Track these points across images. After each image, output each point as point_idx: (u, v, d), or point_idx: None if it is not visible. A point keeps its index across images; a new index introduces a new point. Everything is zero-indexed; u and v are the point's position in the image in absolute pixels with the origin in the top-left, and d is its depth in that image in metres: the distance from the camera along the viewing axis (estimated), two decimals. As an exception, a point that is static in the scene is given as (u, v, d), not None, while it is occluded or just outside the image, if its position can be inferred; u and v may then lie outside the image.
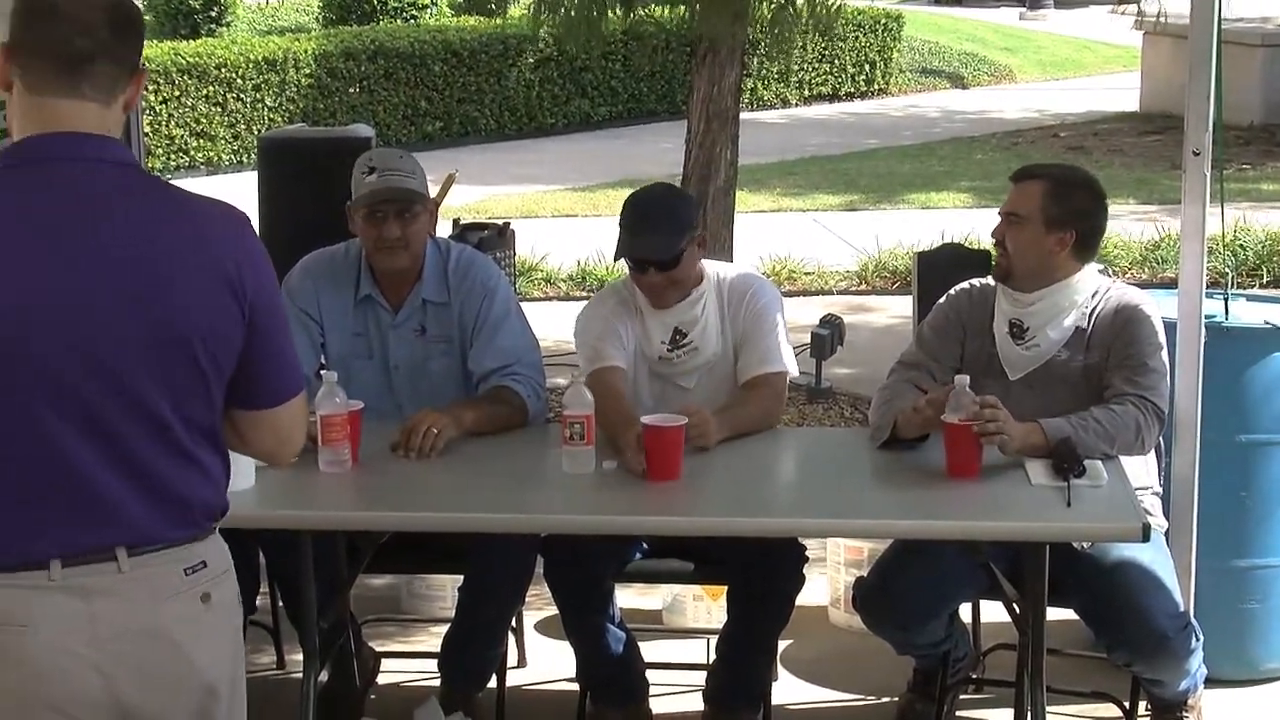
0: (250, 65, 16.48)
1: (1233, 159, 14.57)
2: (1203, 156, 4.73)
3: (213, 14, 19.90)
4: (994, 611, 4.74)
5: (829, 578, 5.53)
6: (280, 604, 4.99)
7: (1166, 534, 4.66)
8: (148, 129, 14.79)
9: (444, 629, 4.81)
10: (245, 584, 4.60)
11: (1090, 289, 4.50)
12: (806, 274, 11.02)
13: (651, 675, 4.79)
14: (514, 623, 5.01)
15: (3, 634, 2.61)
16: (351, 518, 4.26)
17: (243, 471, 4.00)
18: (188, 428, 2.72)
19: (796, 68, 20.64)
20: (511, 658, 5.03)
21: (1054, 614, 4.29)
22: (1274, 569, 5.04)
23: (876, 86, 21.53)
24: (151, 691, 2.69)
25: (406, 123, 17.44)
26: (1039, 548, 4.09)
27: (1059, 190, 4.49)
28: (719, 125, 7.93)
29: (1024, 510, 4.00)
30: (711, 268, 4.78)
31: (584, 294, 9.99)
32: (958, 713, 4.85)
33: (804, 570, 4.57)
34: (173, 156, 15.96)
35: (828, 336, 7.86)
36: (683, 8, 7.60)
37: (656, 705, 4.78)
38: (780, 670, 5.04)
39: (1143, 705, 4.65)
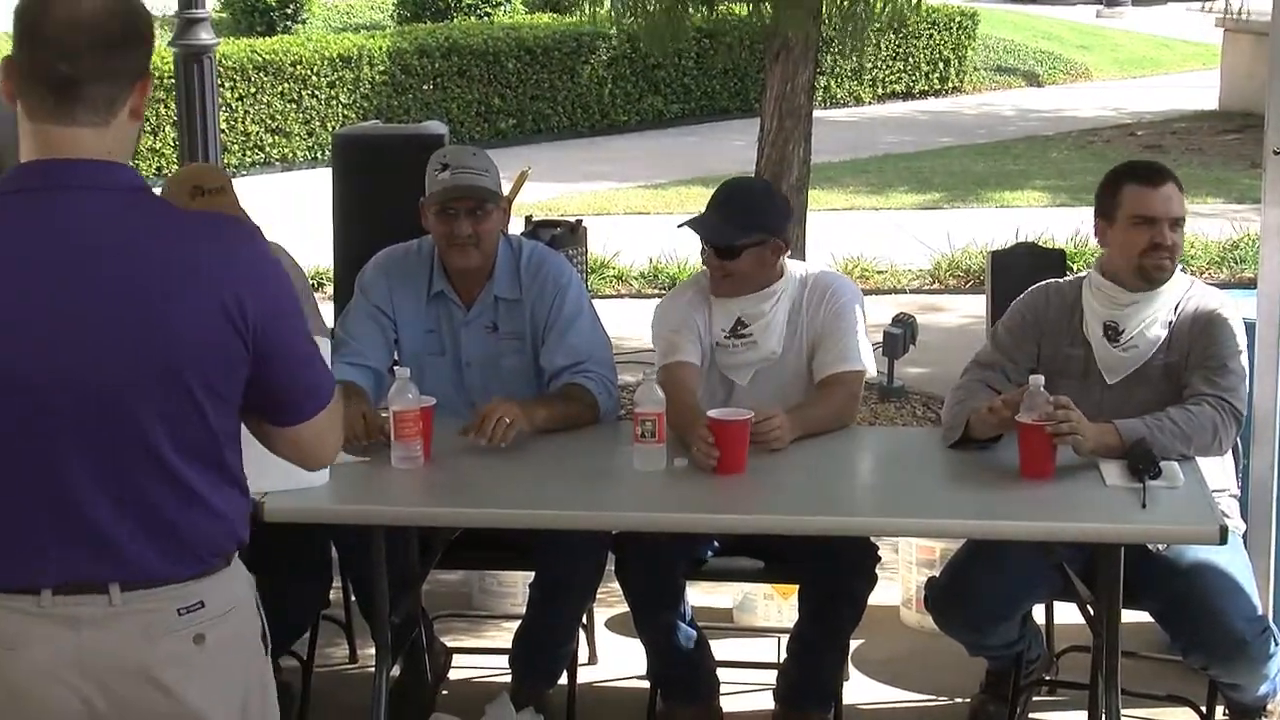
0: (325, 62, 16.57)
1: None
2: (1284, 154, 4.68)
3: (289, 11, 20.00)
4: (1068, 613, 4.71)
5: (901, 577, 5.51)
6: (353, 599, 5.02)
7: (1244, 537, 4.61)
8: (224, 126, 14.89)
9: (515, 625, 4.82)
10: (318, 578, 4.69)
11: (1181, 289, 4.46)
12: (879, 273, 10.98)
13: (722, 673, 4.78)
14: (585, 620, 5.01)
15: None
16: (424, 513, 4.27)
17: (316, 466, 4.03)
18: (187, 460, 2.65)
19: (870, 65, 20.55)
20: (582, 655, 5.03)
21: (1129, 616, 4.25)
22: (1354, 573, 4.98)
23: (950, 85, 21.42)
24: None
25: (480, 120, 17.48)
26: (1114, 549, 4.05)
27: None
28: (792, 123, 7.91)
29: (1098, 511, 3.97)
30: (795, 268, 4.77)
31: (656, 292, 9.99)
32: (1030, 715, 4.82)
33: (876, 570, 4.55)
34: (248, 153, 16.06)
35: (900, 335, 7.84)
36: (760, 5, 7.57)
37: (727, 703, 4.78)
38: (851, 670, 5.03)
39: (1220, 710, 4.61)
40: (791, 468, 4.32)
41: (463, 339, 4.78)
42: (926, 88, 21.12)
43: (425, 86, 17.18)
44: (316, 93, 16.51)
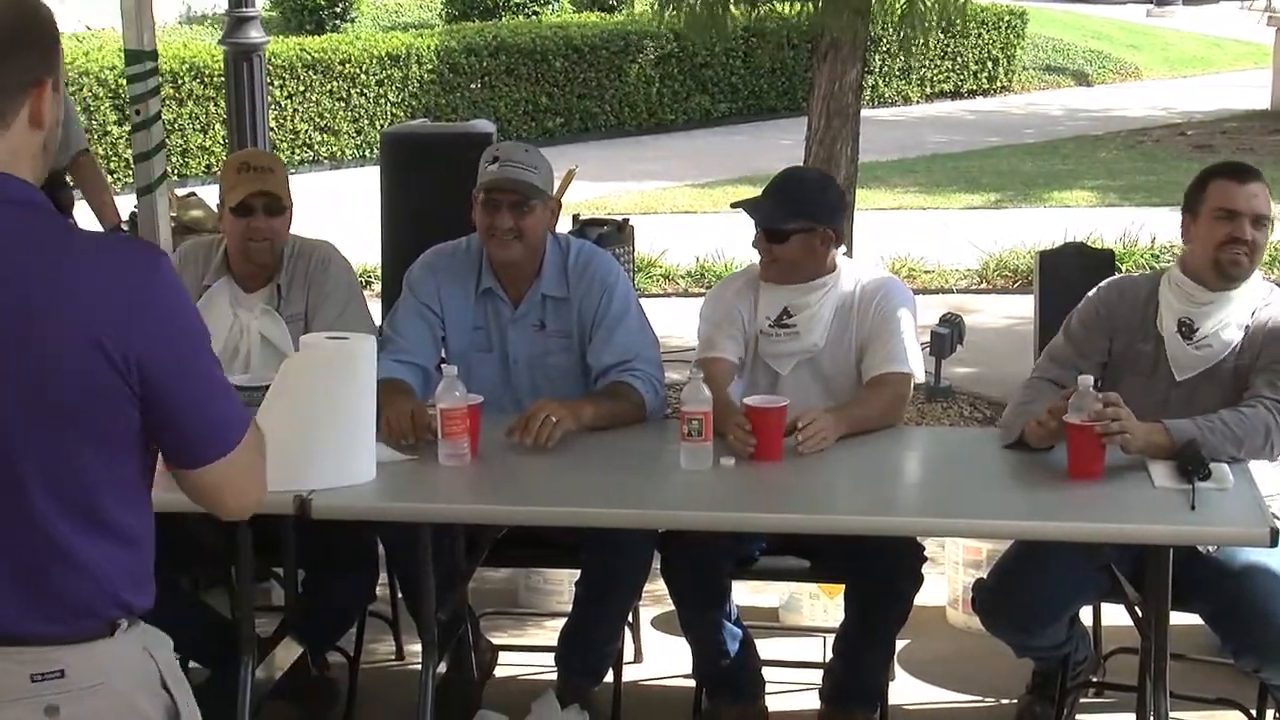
0: (374, 61, 16.64)
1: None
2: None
3: (338, 10, 20.09)
4: (1116, 614, 4.68)
5: (947, 578, 5.49)
6: (400, 596, 5.04)
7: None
8: (273, 124, 14.97)
9: (561, 623, 4.83)
10: (365, 574, 4.70)
11: (1261, 294, 4.43)
12: (926, 272, 10.96)
13: (767, 673, 4.78)
14: (631, 618, 5.02)
15: None
16: (470, 511, 4.27)
17: (364, 463, 4.05)
18: (59, 507, 2.38)
19: (918, 65, 20.53)
20: (628, 653, 5.04)
21: (1177, 618, 4.23)
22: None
23: (999, 84, 21.37)
24: None
25: (527, 118, 17.52)
26: (1162, 551, 4.03)
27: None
28: (840, 122, 7.89)
29: (1147, 512, 3.95)
30: (851, 267, 4.77)
31: (702, 290, 9.99)
32: (1077, 716, 4.79)
33: (922, 570, 4.54)
34: (297, 151, 16.14)
35: (947, 335, 7.82)
36: (806, 4, 7.56)
37: (772, 703, 4.77)
38: (897, 670, 5.02)
39: (1271, 714, 4.58)
40: (838, 467, 4.31)
41: (510, 336, 4.79)
42: (975, 87, 21.08)
43: (473, 85, 17.23)
44: (365, 91, 16.58)
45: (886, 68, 20.17)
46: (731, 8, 7.62)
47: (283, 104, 15.94)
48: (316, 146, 16.34)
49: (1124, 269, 7.64)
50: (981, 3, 19.53)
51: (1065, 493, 4.08)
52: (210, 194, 6.82)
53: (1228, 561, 4.27)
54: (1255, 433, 4.17)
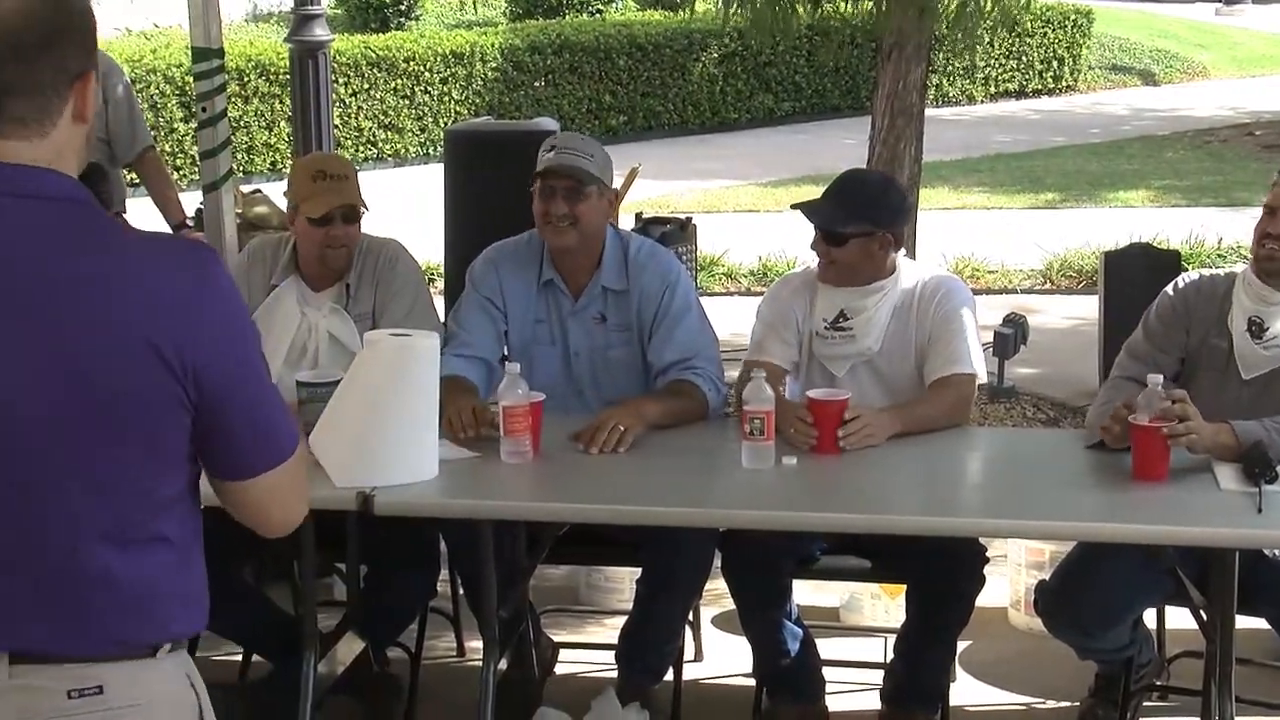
0: (438, 59, 16.70)
1: None
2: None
3: (402, 8, 20.18)
4: (1180, 617, 4.65)
5: (1010, 579, 5.47)
6: (461, 592, 5.05)
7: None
8: (337, 121, 15.05)
9: (622, 621, 4.83)
10: (426, 570, 4.72)
11: None
12: (990, 272, 10.92)
13: (828, 673, 4.77)
14: (691, 617, 5.02)
15: None
16: (531, 508, 4.28)
17: (427, 460, 4.07)
18: (106, 525, 2.27)
19: (983, 64, 20.45)
20: (688, 651, 5.04)
21: (1243, 622, 4.20)
22: None
23: (1064, 84, 21.26)
24: None
25: (590, 116, 17.55)
26: (1228, 554, 4.00)
27: None
28: (904, 121, 7.86)
29: (1212, 515, 3.91)
30: (909, 268, 4.75)
31: (765, 290, 9.95)
32: (1140, 720, 4.77)
33: (984, 571, 4.52)
34: (361, 148, 16.21)
35: (1011, 336, 7.79)
36: (869, 3, 7.54)
37: (833, 703, 4.76)
38: (959, 671, 5.00)
39: (1336, 719, 4.54)
40: (899, 468, 4.30)
41: (571, 328, 4.80)
42: (1040, 86, 20.98)
43: (537, 83, 17.27)
44: (429, 89, 16.64)
45: (951, 67, 20.09)
46: (796, 7, 7.60)
47: (347, 101, 16.02)
48: (380, 144, 16.41)
49: (1189, 269, 7.60)
50: (1048, 2, 19.43)
51: (1130, 494, 4.05)
52: (275, 190, 6.87)
53: (1294, 565, 4.24)
54: (1323, 436, 4.13)
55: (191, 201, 6.70)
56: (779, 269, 10.61)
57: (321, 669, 4.52)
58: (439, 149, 14.58)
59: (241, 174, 14.57)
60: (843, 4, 8.14)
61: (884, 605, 5.36)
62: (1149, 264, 5.44)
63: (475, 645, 4.86)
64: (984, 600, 4.62)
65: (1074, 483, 4.22)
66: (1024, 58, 20.83)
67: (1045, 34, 20.89)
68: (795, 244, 9.85)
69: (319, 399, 4.16)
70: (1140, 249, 6.93)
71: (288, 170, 12.64)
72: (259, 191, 7.10)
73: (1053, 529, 4.30)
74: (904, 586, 4.71)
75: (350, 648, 4.74)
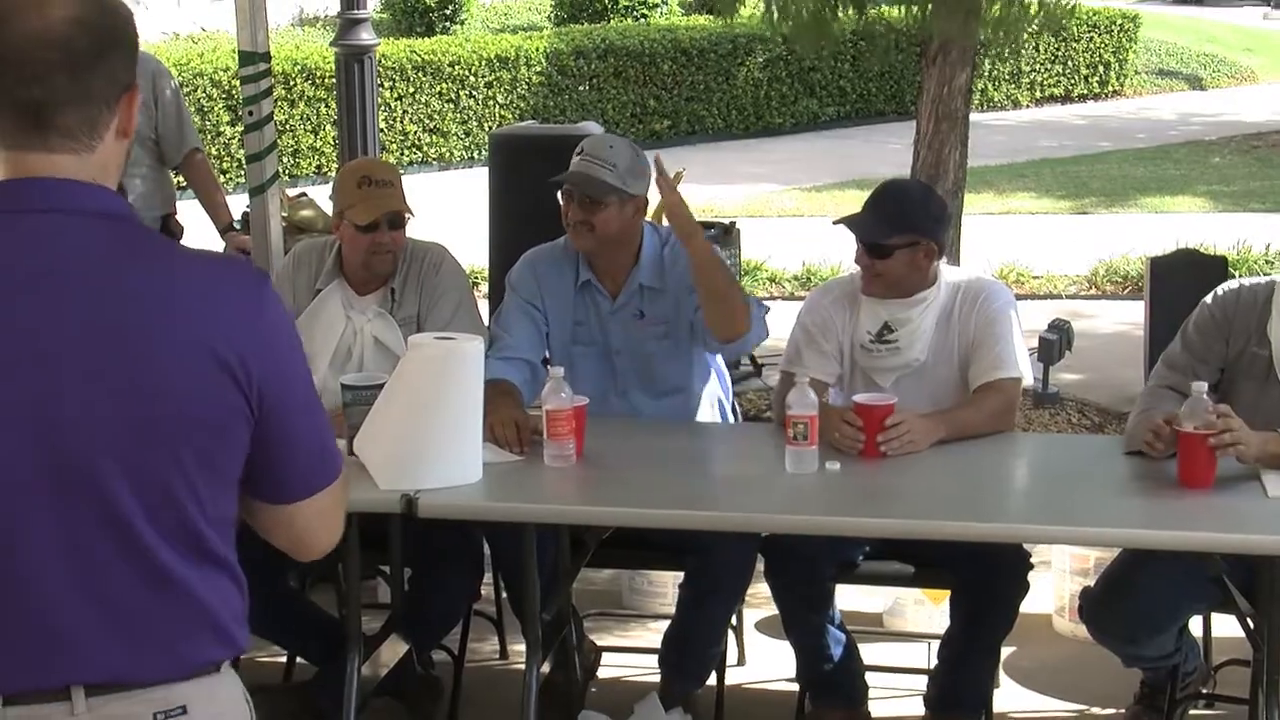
0: (483, 63, 16.73)
1: None
2: None
3: (448, 12, 20.22)
4: (1227, 625, 4.62)
5: (1054, 585, 5.45)
6: (504, 595, 5.06)
7: None
8: (382, 125, 15.10)
9: (665, 625, 4.83)
10: (470, 573, 4.73)
11: None
12: (1035, 278, 10.88)
13: (871, 678, 4.76)
14: (734, 621, 5.02)
15: None
16: (575, 512, 4.29)
17: (471, 464, 4.08)
18: (168, 541, 2.22)
19: (1028, 69, 20.38)
20: (731, 656, 5.04)
21: (1290, 630, 4.17)
22: None
23: (1110, 88, 21.17)
24: None
25: (635, 121, 17.56)
26: (1275, 562, 3.97)
27: None
28: (948, 126, 7.85)
29: (1260, 523, 3.89)
30: (948, 274, 4.74)
31: (808, 294, 9.96)
32: (1186, 728, 4.74)
33: (1028, 577, 4.50)
34: (406, 152, 16.26)
35: (1056, 341, 7.76)
36: (915, 7, 7.52)
37: (875, 708, 4.75)
38: (1002, 677, 4.98)
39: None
40: (943, 472, 4.29)
41: (611, 328, 4.82)
42: (1086, 91, 20.89)
43: (581, 87, 17.29)
44: (474, 93, 16.68)
45: (996, 72, 20.03)
46: (839, 13, 7.59)
47: (392, 105, 16.06)
48: (425, 148, 16.46)
49: (1237, 276, 7.55)
50: (1094, 6, 19.35)
51: (1176, 501, 4.03)
52: (320, 194, 6.90)
53: (1342, 573, 4.20)
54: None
55: (238, 204, 6.72)
56: (822, 274, 10.60)
57: (365, 671, 4.53)
58: (483, 153, 14.59)
59: (287, 177, 14.62)
60: (887, 9, 8.13)
61: (927, 610, 5.35)
62: (1195, 270, 5.42)
63: (518, 648, 4.87)
64: (1028, 606, 4.60)
65: (1119, 489, 4.21)
66: (1070, 62, 20.75)
67: (1091, 39, 20.80)
68: (839, 249, 9.85)
69: (364, 402, 4.18)
70: (1187, 255, 6.90)
71: (333, 174, 12.67)
72: (304, 195, 7.12)
73: (1098, 535, 4.27)
74: (948, 592, 4.70)
75: (394, 650, 4.76)
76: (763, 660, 5.26)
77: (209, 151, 12.97)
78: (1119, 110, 20.37)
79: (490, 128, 15.92)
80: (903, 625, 5.44)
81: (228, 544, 2.30)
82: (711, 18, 19.17)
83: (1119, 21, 21.06)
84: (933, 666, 4.74)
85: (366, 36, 8.57)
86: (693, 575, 4.62)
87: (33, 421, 2.15)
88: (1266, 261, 10.69)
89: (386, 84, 15.85)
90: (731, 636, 4.99)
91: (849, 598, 5.20)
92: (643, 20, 19.94)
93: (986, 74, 19.63)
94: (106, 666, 2.20)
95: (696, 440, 4.52)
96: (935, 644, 4.76)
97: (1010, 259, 10.95)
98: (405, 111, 16.28)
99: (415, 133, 16.37)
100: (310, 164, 15.71)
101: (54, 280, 2.17)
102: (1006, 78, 20.31)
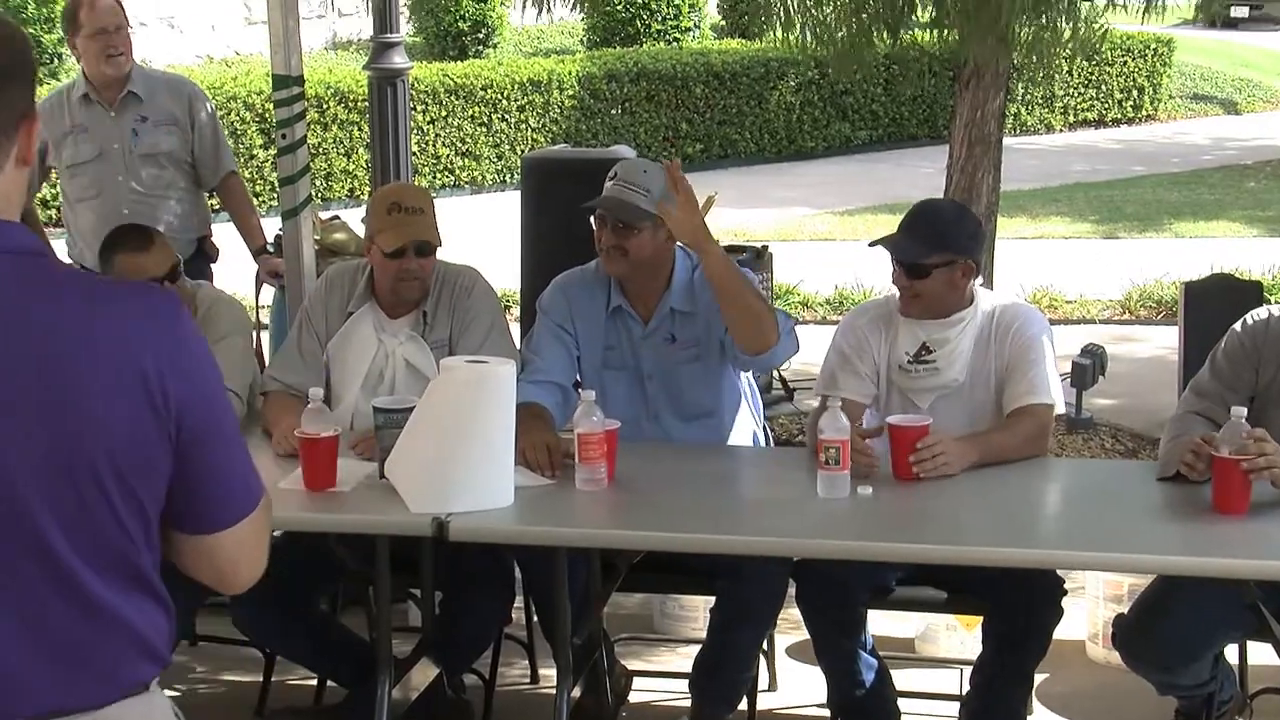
0: (515, 86, 16.77)
1: None
2: None
3: (480, 36, 20.29)
4: (1263, 653, 4.59)
5: (1088, 611, 5.42)
6: (535, 619, 5.06)
7: None
8: (415, 148, 15.14)
9: (696, 650, 4.82)
10: (501, 596, 4.73)
11: None
12: (1068, 302, 10.85)
13: (903, 704, 4.73)
14: (766, 646, 5.00)
15: None
16: (606, 535, 4.28)
17: (502, 487, 4.07)
18: (96, 568, 2.20)
19: (1061, 93, 20.35)
20: (763, 681, 5.02)
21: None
22: None
23: (1144, 112, 21.12)
24: None
25: (667, 144, 17.58)
26: (1311, 589, 3.95)
27: None
28: (981, 150, 7.83)
29: (1296, 550, 3.87)
30: (984, 297, 4.73)
31: (840, 319, 9.95)
32: (1220, 756, 4.71)
33: (1062, 603, 4.48)
34: (439, 176, 16.30)
35: (1089, 366, 7.72)
36: (946, 32, 7.52)
37: (907, 735, 4.73)
38: (1035, 704, 4.95)
39: None
40: (976, 498, 4.27)
41: (643, 352, 4.82)
42: (1119, 115, 20.86)
43: (614, 111, 17.32)
44: (506, 116, 16.72)
45: (1030, 96, 20.01)
46: (874, 38, 7.59)
47: (425, 129, 16.11)
48: (458, 171, 16.50)
49: (1273, 301, 7.51)
50: (1127, 31, 19.32)
51: (1211, 527, 4.01)
52: (353, 217, 6.91)
53: (1379, 601, 4.17)
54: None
55: (270, 227, 6.74)
56: (855, 298, 10.59)
57: (396, 695, 4.53)
58: (516, 176, 14.65)
59: (320, 200, 14.68)
60: (920, 33, 8.12)
61: (960, 636, 5.32)
62: (1230, 295, 5.39)
63: (549, 672, 4.86)
64: (1062, 633, 4.57)
65: (1153, 515, 4.19)
66: (1103, 86, 20.72)
67: (1125, 63, 20.77)
68: (871, 273, 9.85)
69: (395, 425, 4.18)
70: (1221, 280, 6.86)
71: (366, 197, 12.69)
72: (337, 218, 7.14)
73: (1132, 562, 4.25)
74: (980, 618, 4.68)
75: (424, 674, 4.76)
76: (794, 686, 5.25)
77: (242, 174, 13.02)
78: (1153, 134, 20.33)
79: (522, 151, 15.94)
80: (935, 651, 5.41)
81: (153, 563, 2.28)
82: (744, 41, 19.21)
83: (1153, 46, 21.02)
84: (965, 693, 4.71)
85: (399, 60, 8.58)
86: (724, 600, 4.61)
87: None
88: (1301, 287, 10.64)
89: (419, 107, 15.89)
90: (763, 661, 4.97)
91: (881, 623, 5.18)
92: (675, 44, 19.98)
93: (1020, 98, 19.61)
94: (44, 698, 2.20)
95: (728, 464, 4.50)
96: (968, 670, 4.73)
97: (1043, 283, 10.93)
98: (438, 135, 16.32)
99: (448, 156, 16.41)
100: (343, 187, 15.76)
101: None
102: (1040, 102, 20.28)
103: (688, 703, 4.77)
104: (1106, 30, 7.89)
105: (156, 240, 4.95)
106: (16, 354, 2.14)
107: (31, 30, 16.74)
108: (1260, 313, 4.51)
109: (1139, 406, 8.25)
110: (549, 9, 7.76)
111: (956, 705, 4.73)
